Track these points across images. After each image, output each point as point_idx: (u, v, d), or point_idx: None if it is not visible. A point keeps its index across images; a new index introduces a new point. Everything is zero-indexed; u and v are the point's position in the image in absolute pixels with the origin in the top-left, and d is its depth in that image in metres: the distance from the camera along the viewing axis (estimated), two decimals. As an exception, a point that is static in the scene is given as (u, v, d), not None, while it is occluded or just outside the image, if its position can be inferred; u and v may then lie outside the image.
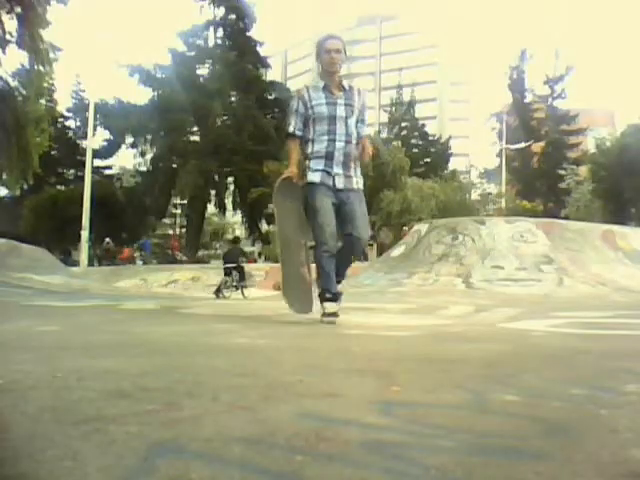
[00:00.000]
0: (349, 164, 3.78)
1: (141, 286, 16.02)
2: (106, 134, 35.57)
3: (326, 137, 3.74)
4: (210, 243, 43.62)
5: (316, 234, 3.71)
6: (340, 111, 3.75)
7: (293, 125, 3.84)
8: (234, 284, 11.04)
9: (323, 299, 3.65)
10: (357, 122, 3.83)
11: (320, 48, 3.80)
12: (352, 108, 3.79)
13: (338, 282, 3.77)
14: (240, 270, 11.26)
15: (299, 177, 3.83)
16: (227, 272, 11.20)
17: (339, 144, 3.73)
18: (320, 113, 3.75)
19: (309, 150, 3.79)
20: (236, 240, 15.57)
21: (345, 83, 3.88)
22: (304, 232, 3.88)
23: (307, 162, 3.80)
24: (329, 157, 3.75)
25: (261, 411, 1.17)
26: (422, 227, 14.13)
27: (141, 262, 28.84)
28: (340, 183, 3.75)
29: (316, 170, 3.75)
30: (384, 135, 41.26)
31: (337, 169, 3.75)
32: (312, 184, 3.75)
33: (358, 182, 3.85)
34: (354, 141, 3.80)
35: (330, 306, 3.61)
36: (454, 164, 42.52)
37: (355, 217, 3.73)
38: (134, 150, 34.92)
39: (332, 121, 3.74)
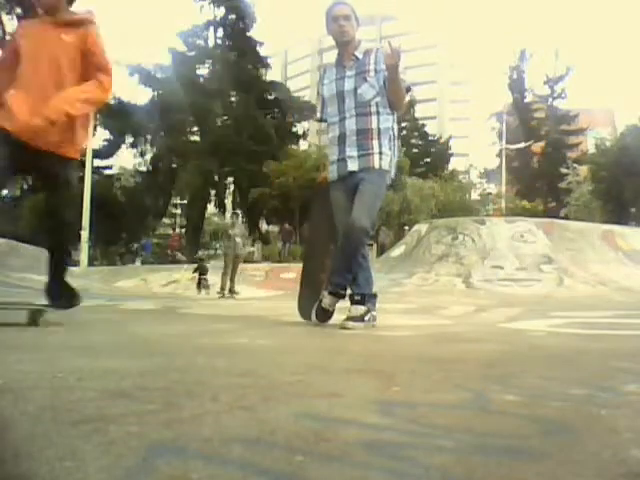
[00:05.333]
0: (366, 141, 3.31)
1: (141, 286, 16.00)
2: (106, 134, 35.59)
3: (337, 118, 3.39)
4: (210, 243, 43.56)
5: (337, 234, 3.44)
6: (349, 84, 3.34)
7: (319, 111, 3.56)
8: None
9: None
10: (378, 86, 3.32)
11: (327, 17, 3.41)
12: (364, 74, 3.32)
13: (354, 284, 3.33)
14: None
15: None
16: None
17: (350, 122, 3.33)
18: (329, 92, 3.43)
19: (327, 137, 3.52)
20: None
21: (360, 51, 3.40)
22: (333, 237, 3.57)
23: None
24: (341, 140, 3.37)
25: (261, 411, 1.16)
26: (422, 227, 14.14)
27: (140, 262, 28.84)
28: (354, 165, 3.34)
29: (331, 163, 3.46)
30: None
31: (350, 151, 3.34)
32: (330, 182, 3.49)
33: (381, 160, 3.33)
34: (373, 109, 3.31)
35: (329, 300, 3.31)
36: (454, 164, 42.54)
37: (356, 201, 3.26)
38: (134, 150, 34.94)
39: (340, 98, 3.36)
